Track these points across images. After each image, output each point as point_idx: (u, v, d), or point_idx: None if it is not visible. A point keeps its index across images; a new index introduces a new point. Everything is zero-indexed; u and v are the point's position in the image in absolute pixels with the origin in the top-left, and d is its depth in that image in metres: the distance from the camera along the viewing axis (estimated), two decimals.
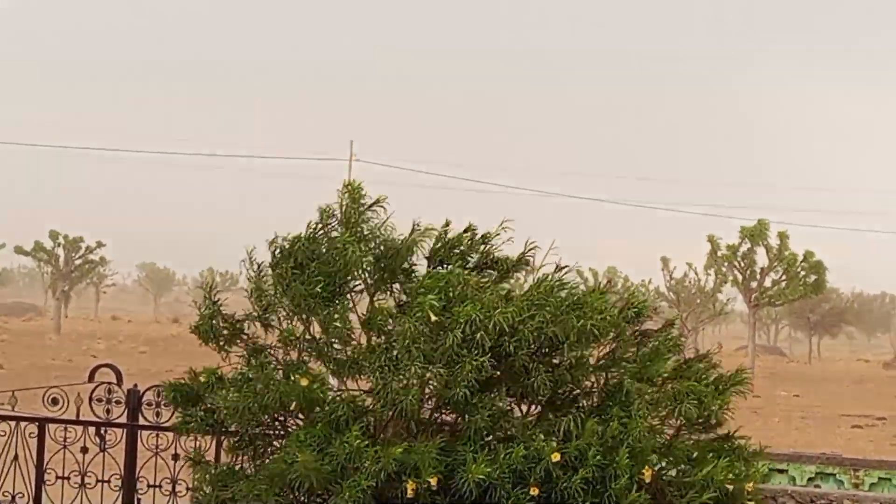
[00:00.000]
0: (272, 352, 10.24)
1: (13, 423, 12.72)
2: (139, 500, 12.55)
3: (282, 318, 10.23)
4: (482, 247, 10.42)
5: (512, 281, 10.59)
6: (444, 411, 9.75)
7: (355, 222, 10.12)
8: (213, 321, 10.35)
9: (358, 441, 9.21)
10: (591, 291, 9.90)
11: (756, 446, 10.28)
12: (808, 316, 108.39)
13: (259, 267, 10.28)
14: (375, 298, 10.12)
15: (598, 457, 9.29)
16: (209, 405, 10.22)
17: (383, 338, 9.83)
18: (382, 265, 10.10)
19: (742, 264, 64.16)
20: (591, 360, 9.93)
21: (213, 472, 10.16)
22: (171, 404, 10.52)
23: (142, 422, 12.56)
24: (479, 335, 9.30)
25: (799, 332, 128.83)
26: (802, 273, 62.72)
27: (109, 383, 12.60)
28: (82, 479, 12.64)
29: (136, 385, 12.72)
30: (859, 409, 48.37)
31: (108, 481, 12.69)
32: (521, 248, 10.46)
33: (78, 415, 12.64)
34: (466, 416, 9.50)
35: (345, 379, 10.00)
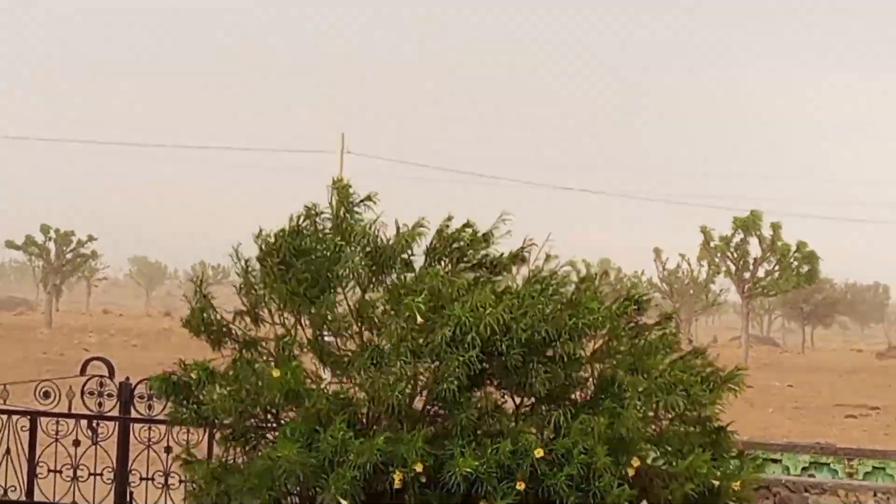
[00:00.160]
0: (264, 345, 10.20)
1: (5, 417, 12.70)
2: (131, 492, 12.53)
3: (272, 312, 10.18)
4: (483, 244, 10.36)
5: (507, 276, 10.54)
6: (434, 405, 9.71)
7: (345, 221, 10.06)
8: (205, 315, 10.30)
9: (343, 433, 9.18)
10: (584, 288, 9.86)
11: (746, 438, 10.24)
12: (801, 306, 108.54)
13: (247, 262, 10.24)
14: (367, 293, 10.06)
15: (583, 455, 9.28)
16: (201, 398, 10.17)
17: (374, 333, 9.79)
18: (373, 263, 10.04)
19: (735, 255, 64.21)
20: (586, 352, 9.89)
21: (205, 467, 10.11)
22: (160, 396, 10.45)
23: (134, 415, 12.54)
24: (469, 337, 9.27)
25: (792, 322, 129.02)
26: (795, 263, 62.80)
27: (101, 376, 12.59)
28: (74, 473, 12.63)
29: (127, 378, 12.70)
30: (853, 399, 48.41)
31: (101, 474, 12.67)
32: (516, 241, 10.42)
33: (70, 408, 12.62)
34: (453, 413, 9.46)
35: (339, 373, 9.96)
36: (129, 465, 12.56)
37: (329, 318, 9.93)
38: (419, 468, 9.16)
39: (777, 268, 62.92)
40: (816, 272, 64.49)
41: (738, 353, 63.52)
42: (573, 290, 9.90)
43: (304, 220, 10.17)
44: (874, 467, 14.17)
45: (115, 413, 12.56)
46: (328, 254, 9.96)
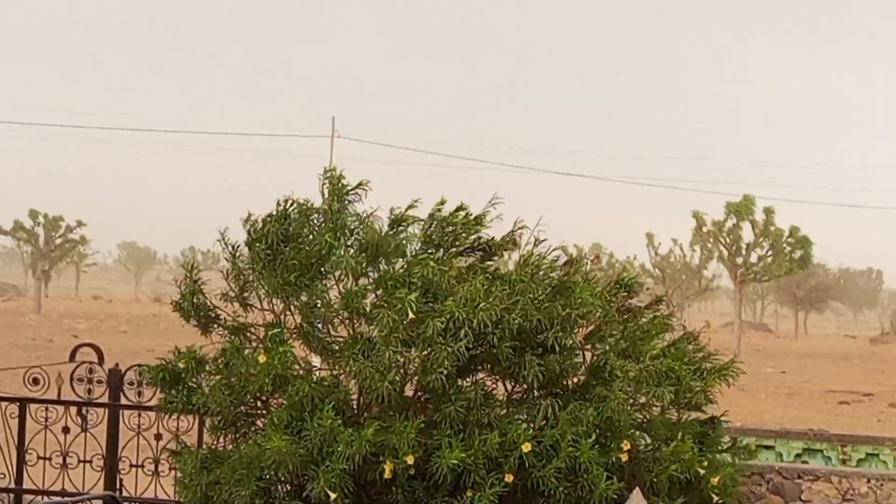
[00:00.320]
0: (253, 331, 10.14)
1: None
2: (121, 479, 12.47)
3: (261, 298, 10.12)
4: (476, 228, 10.29)
5: (501, 262, 10.48)
6: (424, 394, 9.65)
7: (337, 214, 9.98)
8: (195, 299, 10.24)
9: (331, 422, 9.11)
10: (574, 271, 9.81)
11: (739, 424, 10.22)
12: (794, 292, 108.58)
13: (234, 247, 10.16)
14: (358, 281, 9.99)
15: (571, 448, 9.23)
16: (191, 384, 10.11)
17: (364, 321, 9.72)
18: (366, 254, 9.96)
19: (728, 240, 64.20)
20: (578, 340, 9.84)
21: (195, 457, 10.04)
22: (155, 385, 10.38)
23: (123, 401, 12.45)
24: (462, 331, 9.21)
25: (785, 307, 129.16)
26: (788, 248, 62.77)
27: (91, 363, 12.51)
28: (64, 460, 12.56)
29: (117, 364, 12.62)
30: (846, 385, 48.46)
31: (90, 461, 12.59)
32: (507, 227, 10.36)
33: (59, 395, 12.54)
34: (441, 405, 9.41)
35: (329, 360, 9.90)
36: (119, 452, 12.48)
37: (318, 306, 9.86)
38: (410, 460, 9.10)
39: (770, 253, 62.92)
40: (809, 257, 64.48)
41: (731, 339, 63.53)
42: (562, 274, 9.84)
43: (291, 206, 10.08)
44: (867, 454, 14.14)
45: (105, 400, 12.48)
46: (318, 247, 9.88)
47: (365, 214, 10.08)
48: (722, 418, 10.38)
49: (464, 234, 10.28)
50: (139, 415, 12.41)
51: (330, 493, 9.06)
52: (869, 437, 14.66)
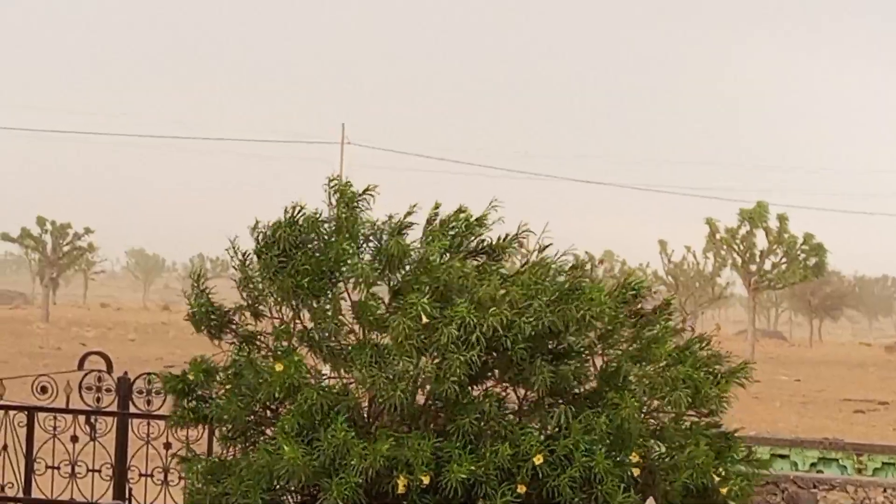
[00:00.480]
0: (263, 339, 10.05)
1: (1, 413, 12.57)
2: (130, 489, 12.39)
3: (271, 307, 10.03)
4: (477, 229, 10.21)
5: (507, 265, 10.38)
6: (436, 402, 9.56)
7: (347, 221, 9.91)
8: (206, 309, 10.16)
9: (344, 434, 9.02)
10: (581, 275, 9.72)
11: (754, 433, 10.11)
12: (808, 299, 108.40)
13: (244, 255, 10.08)
14: (371, 288, 9.91)
15: (585, 457, 9.13)
16: (201, 393, 10.04)
17: (375, 330, 9.64)
18: (379, 263, 9.88)
19: (741, 247, 64.04)
20: (590, 343, 9.75)
21: (203, 466, 9.96)
22: (174, 395, 10.28)
23: (132, 410, 12.38)
24: (474, 336, 9.12)
25: (800, 315, 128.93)
26: (803, 256, 62.61)
27: (99, 371, 12.44)
28: (72, 469, 12.48)
29: (126, 373, 12.55)
30: (861, 394, 48.30)
31: (99, 471, 12.53)
32: (512, 231, 10.26)
33: (67, 403, 12.47)
34: (453, 416, 9.32)
35: (339, 370, 9.81)
36: (128, 461, 12.41)
37: (329, 313, 9.77)
38: (426, 480, 9.02)
39: (784, 260, 62.77)
40: (824, 265, 64.35)
41: (745, 347, 63.34)
42: (570, 277, 9.75)
43: (300, 213, 10.00)
44: (884, 463, 14.06)
45: (114, 408, 12.41)
46: (330, 254, 9.80)
47: (379, 221, 9.99)
48: (737, 434, 10.25)
49: (467, 238, 10.19)
50: (148, 424, 12.34)
51: None
52: (885, 447, 14.57)
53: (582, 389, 9.77)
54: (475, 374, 9.31)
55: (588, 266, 10.06)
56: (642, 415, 9.58)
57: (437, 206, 10.20)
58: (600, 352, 9.86)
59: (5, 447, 12.48)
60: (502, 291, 9.44)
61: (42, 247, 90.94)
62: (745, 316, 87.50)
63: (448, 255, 9.98)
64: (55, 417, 12.52)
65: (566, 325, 9.38)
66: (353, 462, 8.98)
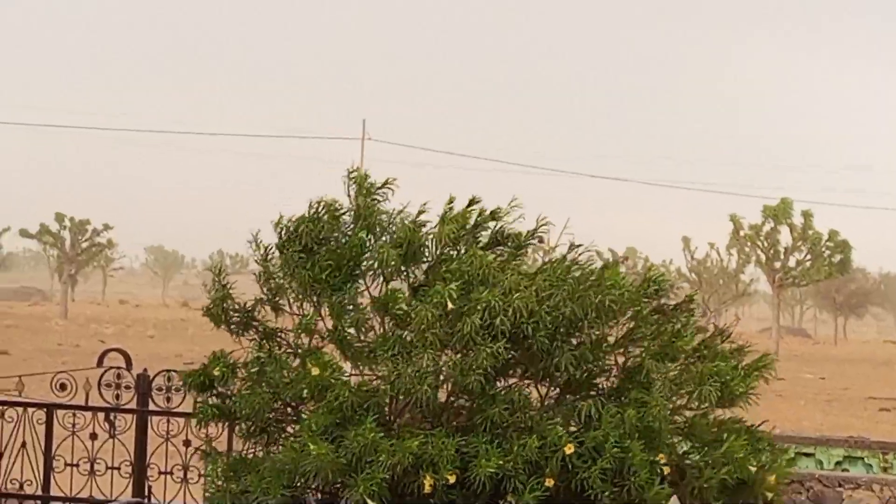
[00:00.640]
0: (284, 336, 9.98)
1: (21, 410, 12.52)
2: (150, 486, 12.34)
3: (291, 302, 9.96)
4: (492, 223, 10.14)
5: (529, 262, 10.31)
6: (460, 397, 9.48)
7: (366, 213, 9.84)
8: (225, 304, 10.09)
9: (373, 434, 8.94)
10: (607, 266, 9.64)
11: (778, 431, 10.00)
12: (833, 296, 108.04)
13: (266, 249, 10.01)
14: (390, 282, 9.84)
15: (616, 448, 9.03)
16: (222, 390, 9.97)
17: (397, 323, 9.56)
18: (399, 252, 9.81)
19: (766, 244, 63.80)
20: (611, 340, 9.66)
21: (224, 462, 9.89)
22: (195, 391, 10.21)
23: (152, 407, 12.32)
24: (498, 319, 9.03)
25: (824, 312, 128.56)
26: (827, 252, 62.36)
27: (119, 368, 12.38)
28: (92, 466, 12.44)
29: (145, 370, 12.49)
30: (886, 392, 48.01)
31: (118, 468, 12.49)
32: (534, 227, 10.18)
33: (87, 400, 12.41)
34: (481, 407, 9.23)
35: (359, 365, 9.73)
36: (148, 458, 12.35)
37: (350, 308, 9.70)
38: (452, 479, 8.93)
39: (809, 257, 62.51)
40: (849, 261, 64.09)
41: (769, 345, 63.15)
42: (596, 274, 9.66)
43: (322, 210, 9.94)
44: None
45: (133, 405, 12.35)
46: (351, 246, 9.74)
47: (395, 211, 9.92)
48: (762, 428, 10.14)
49: (481, 232, 10.11)
50: (168, 421, 12.28)
51: (369, 501, 8.90)
52: None
53: (604, 386, 9.68)
54: (499, 368, 9.22)
55: (621, 266, 9.95)
56: (669, 412, 9.48)
57: (451, 200, 10.14)
58: (621, 351, 9.76)
59: (24, 444, 12.44)
60: (526, 282, 9.36)
61: (61, 243, 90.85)
62: (769, 313, 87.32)
63: (463, 247, 9.91)
64: (74, 414, 12.47)
65: (586, 313, 9.28)
66: (381, 459, 8.90)
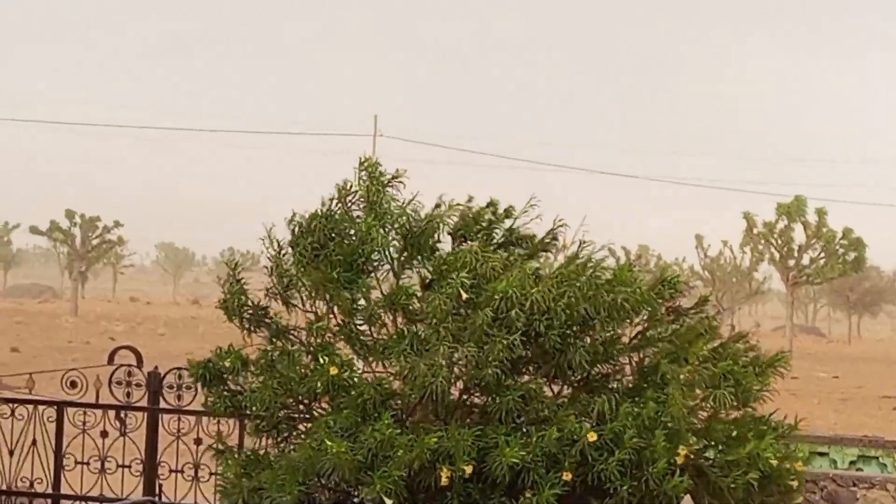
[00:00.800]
0: (296, 333, 9.94)
1: (31, 407, 12.48)
2: (160, 485, 12.29)
3: (304, 298, 9.92)
4: (506, 222, 10.09)
5: (541, 260, 10.25)
6: (473, 393, 9.43)
7: (376, 201, 9.79)
8: (239, 299, 10.05)
9: (390, 430, 8.89)
10: (622, 267, 9.58)
11: (792, 423, 9.93)
12: (847, 294, 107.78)
13: (279, 245, 9.96)
14: (401, 278, 9.80)
15: (635, 438, 8.96)
16: (234, 387, 9.93)
17: (408, 319, 9.51)
18: (408, 244, 9.78)
19: (779, 242, 63.62)
20: (624, 340, 9.60)
21: (237, 459, 9.85)
22: (198, 383, 10.18)
23: (163, 405, 12.27)
24: (513, 312, 8.97)
25: (838, 311, 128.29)
26: (841, 250, 62.16)
27: (129, 366, 12.33)
28: (102, 464, 12.39)
29: (156, 367, 12.44)
30: None
31: (129, 466, 12.45)
32: (550, 227, 10.13)
33: (97, 398, 12.37)
34: (496, 398, 9.17)
35: (371, 362, 9.68)
36: (158, 456, 12.30)
37: (362, 304, 9.66)
38: (468, 470, 8.87)
39: (822, 255, 62.33)
40: (863, 259, 63.86)
41: (783, 343, 63.01)
42: (610, 274, 9.60)
43: (336, 203, 9.90)
44: None
45: (144, 403, 12.31)
46: (360, 236, 9.68)
47: (406, 201, 9.87)
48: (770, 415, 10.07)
49: (496, 230, 10.07)
50: (179, 419, 12.23)
51: (385, 498, 8.85)
52: None
53: (618, 385, 9.62)
54: (512, 364, 9.16)
55: (634, 266, 9.89)
56: (688, 412, 9.42)
57: (469, 200, 10.11)
58: (635, 348, 9.70)
59: (34, 442, 12.40)
60: (533, 280, 9.31)
61: (71, 240, 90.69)
62: (782, 311, 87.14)
63: (476, 244, 9.87)
64: (85, 412, 12.43)
65: (598, 312, 9.22)
66: (398, 454, 8.85)
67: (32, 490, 12.53)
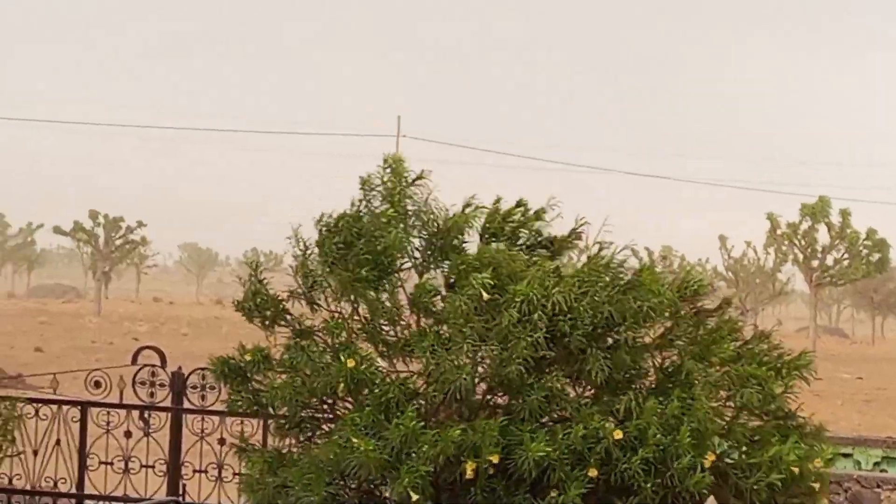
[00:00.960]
0: (321, 334, 9.92)
1: (55, 407, 12.49)
2: (184, 485, 12.30)
3: (328, 298, 9.91)
4: (535, 223, 10.07)
5: (564, 260, 10.23)
6: (497, 393, 9.41)
7: (399, 199, 9.78)
8: (259, 298, 10.04)
9: (413, 423, 8.88)
10: (645, 269, 9.54)
11: (818, 423, 9.88)
12: (871, 295, 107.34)
13: (305, 244, 9.96)
14: (424, 277, 9.79)
15: (659, 436, 8.93)
16: (256, 386, 9.92)
17: (432, 318, 9.50)
18: (432, 243, 9.77)
19: (803, 243, 63.39)
20: (648, 340, 9.56)
21: (261, 457, 9.85)
22: (220, 379, 10.17)
23: (186, 405, 12.28)
24: (536, 314, 8.95)
25: (862, 312, 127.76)
26: (865, 251, 61.87)
27: (153, 366, 12.34)
28: (126, 465, 12.40)
29: (180, 368, 12.45)
30: None
31: (153, 466, 12.45)
32: (573, 227, 10.10)
33: (121, 398, 12.38)
34: (521, 398, 9.15)
35: (395, 361, 9.67)
36: (182, 456, 12.32)
37: (386, 304, 9.64)
38: (495, 459, 8.84)
39: (846, 256, 62.07)
40: (887, 260, 63.52)
41: (806, 344, 62.78)
42: (633, 275, 9.56)
43: (362, 203, 9.88)
44: None
45: (168, 404, 12.32)
46: (384, 233, 9.67)
47: (428, 197, 9.86)
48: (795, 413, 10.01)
49: (524, 231, 10.06)
50: (202, 419, 12.23)
51: (412, 493, 8.83)
52: None
53: (642, 385, 9.59)
54: (535, 364, 9.13)
55: (657, 266, 9.87)
56: (712, 414, 9.38)
57: (498, 200, 10.09)
58: (658, 352, 9.67)
59: (59, 442, 12.42)
60: (555, 279, 9.28)
61: (94, 240, 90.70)
62: (805, 312, 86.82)
63: (497, 244, 9.86)
64: (108, 412, 12.44)
65: (623, 317, 9.20)
66: (423, 449, 8.83)
67: (57, 490, 12.56)
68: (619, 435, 8.92)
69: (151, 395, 12.32)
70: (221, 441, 11.96)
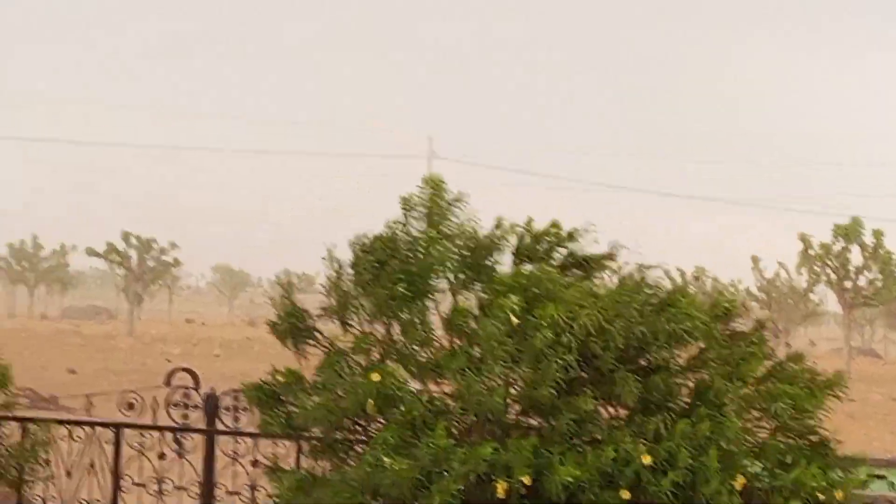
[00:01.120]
0: (350, 356, 9.93)
1: (88, 429, 12.52)
2: None
3: (362, 319, 9.92)
4: (568, 244, 10.08)
5: (597, 281, 10.22)
6: (529, 415, 9.40)
7: (439, 218, 9.80)
8: (292, 320, 10.06)
9: (444, 441, 8.88)
10: (679, 291, 9.53)
11: (854, 453, 9.81)
12: None
13: (339, 264, 9.98)
14: (458, 298, 9.79)
15: (689, 459, 8.91)
16: (289, 408, 9.94)
17: (465, 340, 9.50)
18: (467, 263, 9.78)
19: (836, 263, 63.16)
20: (680, 361, 9.54)
21: (292, 478, 9.86)
22: (254, 405, 10.20)
23: (220, 427, 12.31)
24: (564, 337, 8.94)
25: (894, 332, 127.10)
26: None
27: (186, 387, 12.37)
28: (159, 486, 12.42)
29: (212, 389, 12.48)
30: None
31: (186, 489, 12.47)
32: (605, 248, 10.11)
33: (154, 419, 12.41)
34: (552, 419, 9.14)
35: (426, 382, 9.68)
36: (215, 478, 12.34)
37: (418, 324, 9.65)
38: (527, 480, 8.83)
39: (880, 277, 61.81)
40: None
41: (840, 365, 62.50)
42: (666, 295, 9.55)
43: (398, 223, 9.91)
44: None
45: (201, 425, 12.35)
46: (421, 253, 9.69)
47: (464, 218, 9.88)
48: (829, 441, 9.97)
49: (557, 251, 10.06)
50: (235, 441, 12.26)
51: None
52: None
53: (674, 406, 9.57)
54: (567, 386, 9.13)
55: (689, 287, 9.87)
56: (744, 432, 9.35)
57: (530, 220, 10.10)
58: (690, 374, 9.65)
59: (92, 464, 12.46)
60: (590, 299, 9.28)
61: (127, 262, 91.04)
62: (838, 333, 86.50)
63: (530, 266, 9.86)
64: (142, 434, 12.48)
65: (656, 338, 9.19)
66: (454, 466, 8.83)
67: None
68: (648, 460, 8.89)
69: (185, 416, 12.35)
70: (255, 463, 11.97)
